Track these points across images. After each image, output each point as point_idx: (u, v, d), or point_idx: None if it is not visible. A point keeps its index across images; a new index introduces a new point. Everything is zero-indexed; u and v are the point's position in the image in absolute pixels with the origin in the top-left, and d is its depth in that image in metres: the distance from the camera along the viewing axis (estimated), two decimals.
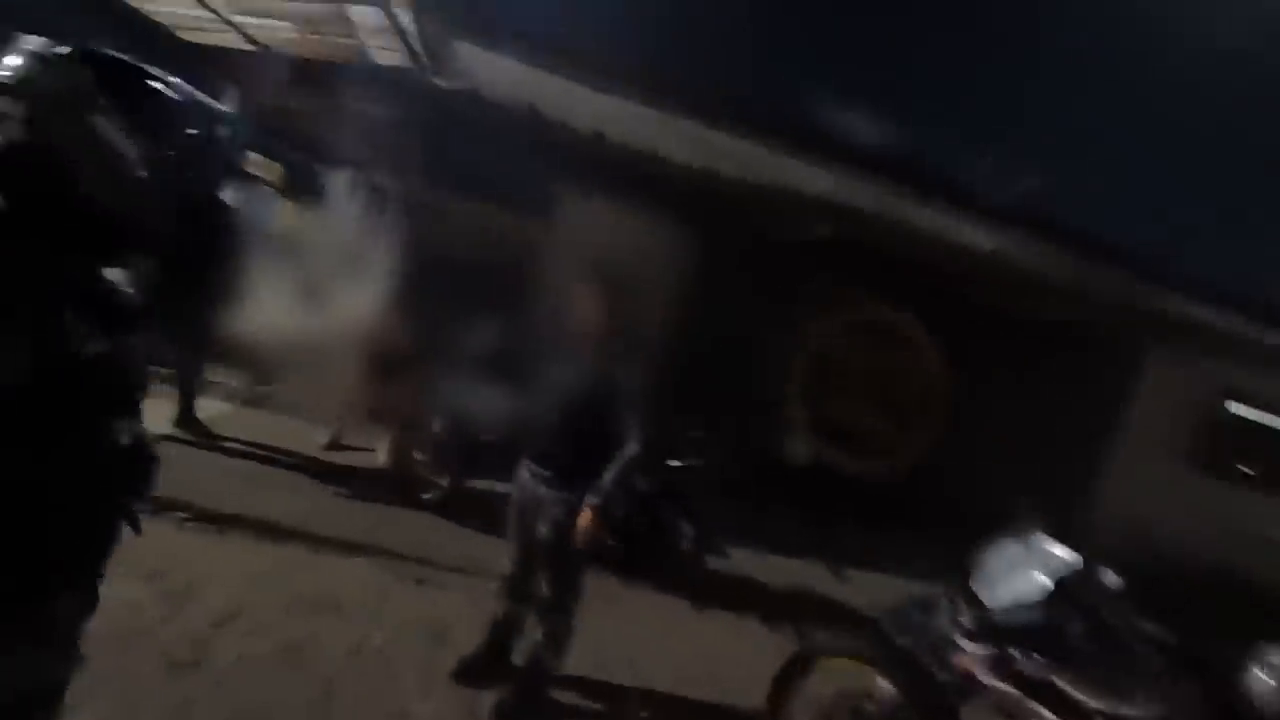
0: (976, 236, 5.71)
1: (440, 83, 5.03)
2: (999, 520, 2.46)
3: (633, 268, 5.18)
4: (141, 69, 0.94)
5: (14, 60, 0.86)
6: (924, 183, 5.56)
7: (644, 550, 3.93)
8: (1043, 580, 2.05)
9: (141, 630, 2.38)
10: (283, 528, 3.31)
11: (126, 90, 0.91)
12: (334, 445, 4.54)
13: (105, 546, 1.11)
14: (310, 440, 4.51)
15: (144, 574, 2.68)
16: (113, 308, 1.03)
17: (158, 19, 4.29)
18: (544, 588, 2.43)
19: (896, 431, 5.69)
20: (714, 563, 4.10)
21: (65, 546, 0.99)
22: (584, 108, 5.25)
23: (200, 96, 1.03)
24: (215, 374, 4.91)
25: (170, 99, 0.96)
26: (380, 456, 4.43)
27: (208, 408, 4.44)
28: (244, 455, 4.03)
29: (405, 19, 4.15)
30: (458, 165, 5.30)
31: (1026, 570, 2.12)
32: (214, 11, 4.06)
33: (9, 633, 0.94)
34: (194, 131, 1.00)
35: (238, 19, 4.19)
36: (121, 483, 1.07)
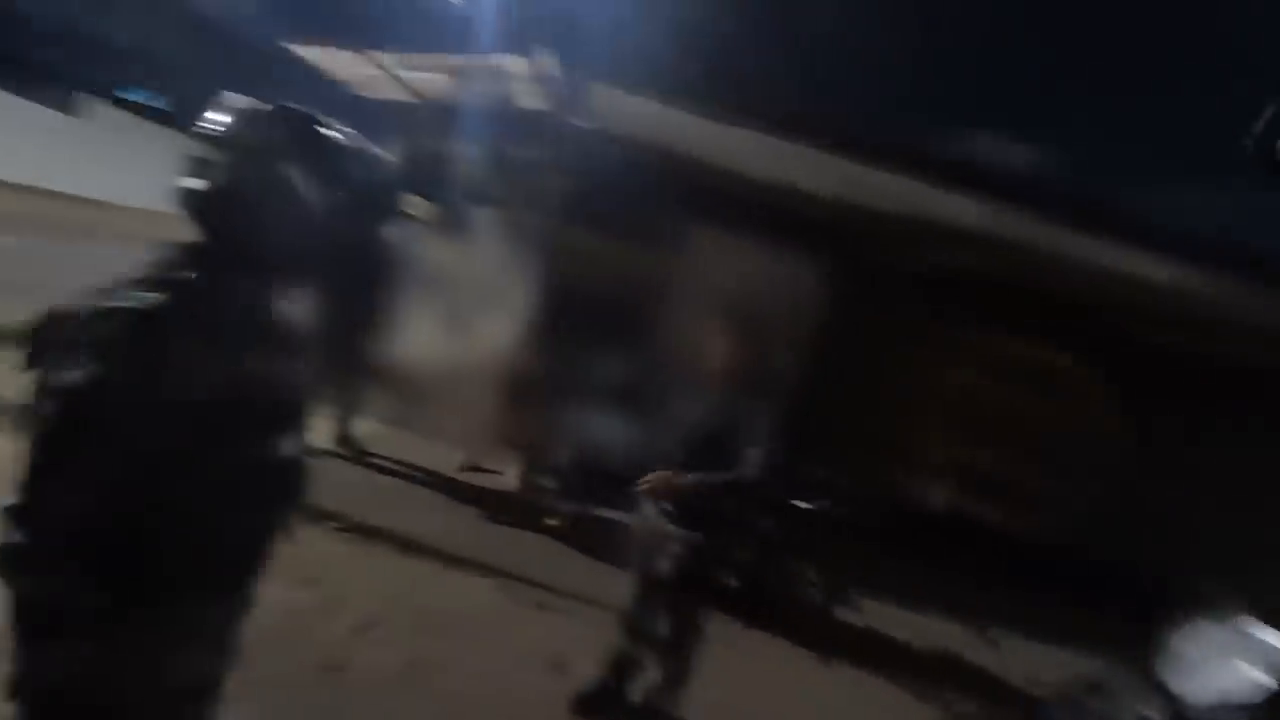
0: (1153, 269, 5.07)
1: (578, 124, 5.27)
2: (1188, 595, 2.11)
3: (763, 303, 5.10)
4: (325, 123, 1.04)
5: (222, 116, 0.97)
6: (1087, 211, 5.04)
7: (767, 595, 3.77)
8: (1259, 677, 1.71)
9: (298, 633, 2.58)
10: (419, 543, 3.50)
11: (312, 142, 1.00)
12: (469, 467, 4.78)
13: (259, 553, 1.19)
14: (449, 461, 4.77)
15: (303, 579, 2.93)
16: (286, 334, 1.13)
17: (340, 78, 4.84)
18: (662, 625, 2.38)
19: (1056, 485, 5.11)
20: (843, 614, 3.85)
21: (222, 552, 1.07)
22: (718, 143, 5.28)
23: (368, 146, 1.11)
24: (371, 396, 5.35)
25: (345, 149, 1.04)
26: (510, 480, 4.60)
27: (363, 427, 4.84)
28: (391, 473, 4.33)
29: (547, 65, 4.40)
30: (594, 203, 5.50)
31: (1234, 661, 1.79)
32: (384, 69, 4.53)
33: (167, 634, 1.03)
34: (362, 177, 1.07)
35: (403, 74, 4.63)
36: (279, 494, 1.15)
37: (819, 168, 5.31)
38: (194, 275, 0.94)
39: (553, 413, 4.80)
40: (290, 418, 1.14)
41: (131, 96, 19.82)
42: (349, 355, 4.31)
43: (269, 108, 0.99)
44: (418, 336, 6.41)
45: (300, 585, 2.86)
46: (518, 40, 4.17)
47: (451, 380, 6.26)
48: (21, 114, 13.85)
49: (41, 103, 14.26)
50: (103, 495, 0.84)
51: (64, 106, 14.87)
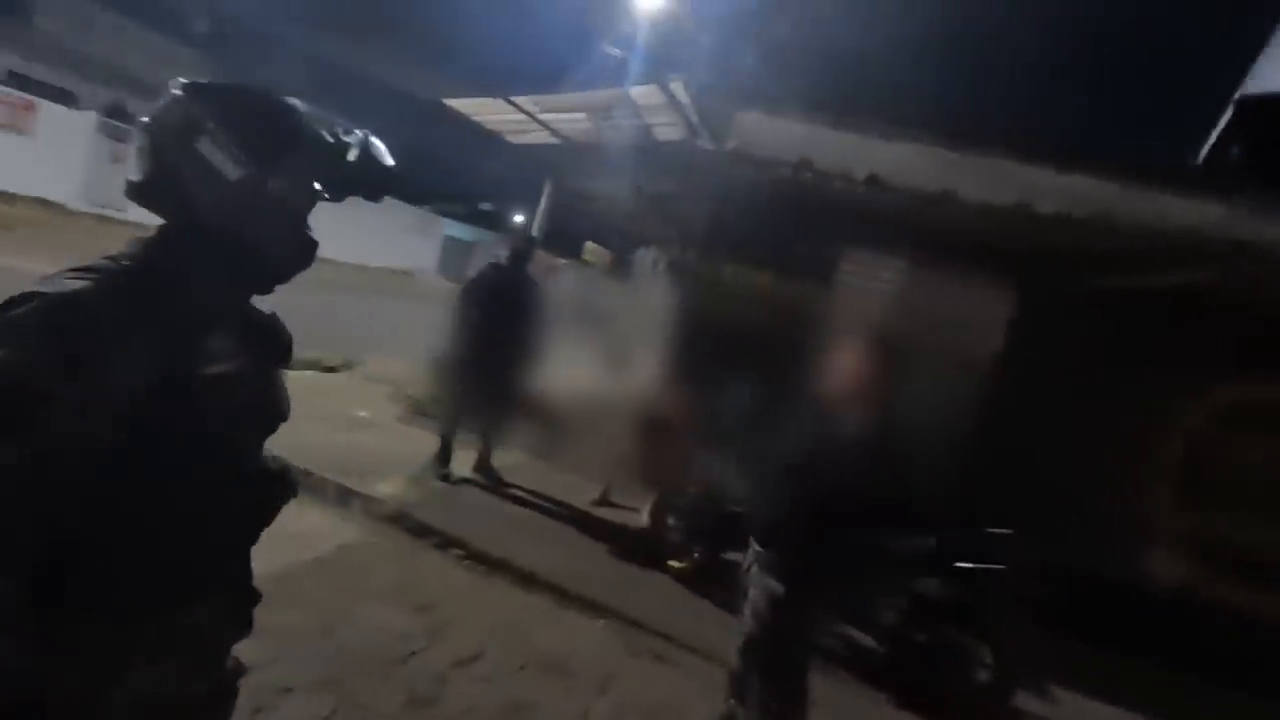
0: None
1: (721, 151, 5.13)
2: None
3: (929, 336, 4.53)
4: (263, 97, 0.97)
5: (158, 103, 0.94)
6: None
7: (925, 670, 3.20)
8: None
9: (396, 659, 2.59)
10: (539, 577, 3.42)
11: (240, 117, 0.93)
12: (602, 502, 4.70)
13: (238, 562, 1.13)
14: (584, 496, 4.73)
15: (414, 604, 2.97)
16: (255, 332, 1.07)
17: (490, 126, 5.17)
18: (755, 688, 2.05)
19: None
20: (1024, 701, 3.16)
21: (200, 558, 1.01)
22: (866, 157, 4.86)
23: (333, 122, 1.03)
24: (514, 426, 5.51)
25: (283, 125, 0.97)
26: (641, 519, 4.44)
27: (504, 457, 4.98)
28: (525, 503, 4.36)
29: (681, 94, 4.35)
30: (743, 232, 5.31)
31: None
32: (528, 114, 4.75)
33: (145, 643, 0.97)
34: (315, 154, 0.99)
35: (545, 117, 4.83)
36: (240, 502, 1.08)
37: (993, 177, 4.66)
38: (129, 261, 0.90)
39: (691, 451, 4.59)
40: (251, 422, 1.06)
41: None
42: (493, 384, 4.44)
43: (182, 83, 0.94)
44: (564, 369, 6.53)
45: (410, 609, 2.90)
46: (654, 71, 4.16)
47: (594, 414, 6.28)
48: None
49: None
50: (26, 489, 0.79)
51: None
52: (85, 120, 12.74)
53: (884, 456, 2.08)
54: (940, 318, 4.57)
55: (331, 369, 6.44)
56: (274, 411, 1.13)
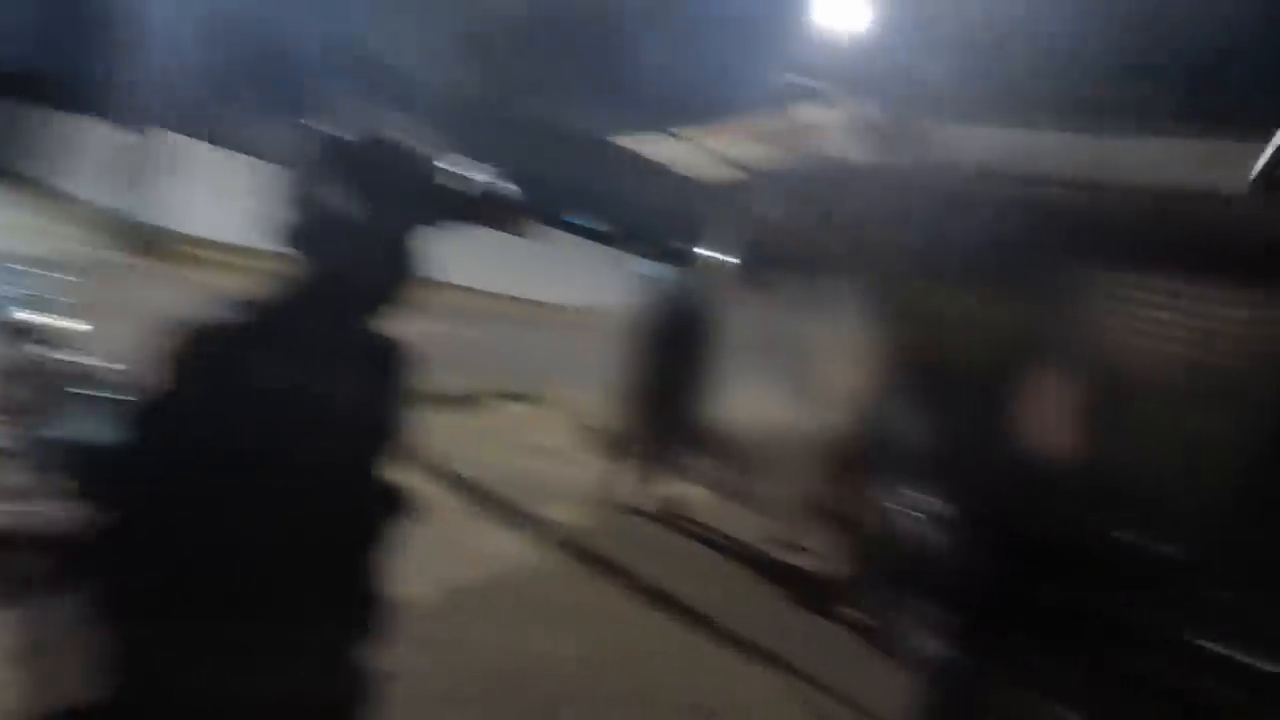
0: None
1: (909, 166, 4.72)
2: None
3: (1178, 363, 3.73)
4: (377, 136, 1.01)
5: None
6: None
7: None
8: None
9: (554, 686, 2.58)
10: (705, 617, 3.27)
11: (348, 156, 0.99)
12: (781, 543, 4.41)
13: (354, 577, 1.15)
14: (762, 533, 4.49)
15: (580, 632, 2.96)
16: (369, 355, 1.10)
17: (663, 161, 5.27)
18: None
19: None
20: None
21: (304, 570, 1.03)
22: (1088, 158, 4.16)
23: (422, 151, 1.05)
24: (691, 457, 5.43)
25: (390, 163, 1.00)
26: (822, 563, 4.10)
27: (680, 488, 4.91)
28: (699, 538, 4.23)
29: (873, 111, 4.07)
30: (940, 253, 4.83)
31: None
32: (702, 146, 4.75)
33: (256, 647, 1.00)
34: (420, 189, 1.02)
35: (723, 148, 4.80)
36: (364, 519, 1.10)
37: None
38: (254, 292, 0.97)
39: (882, 493, 4.18)
40: (359, 439, 1.08)
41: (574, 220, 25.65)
42: (669, 414, 4.43)
43: (309, 130, 1.00)
44: (747, 401, 6.35)
45: (573, 637, 2.89)
46: (839, 89, 3.94)
47: (777, 448, 6.01)
48: (487, 237, 18.78)
49: (498, 229, 19.18)
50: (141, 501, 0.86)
51: (515, 230, 19.69)
52: None
53: (1118, 504, 1.67)
54: (1201, 340, 3.73)
55: (519, 398, 6.88)
56: (382, 431, 1.15)
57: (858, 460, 4.34)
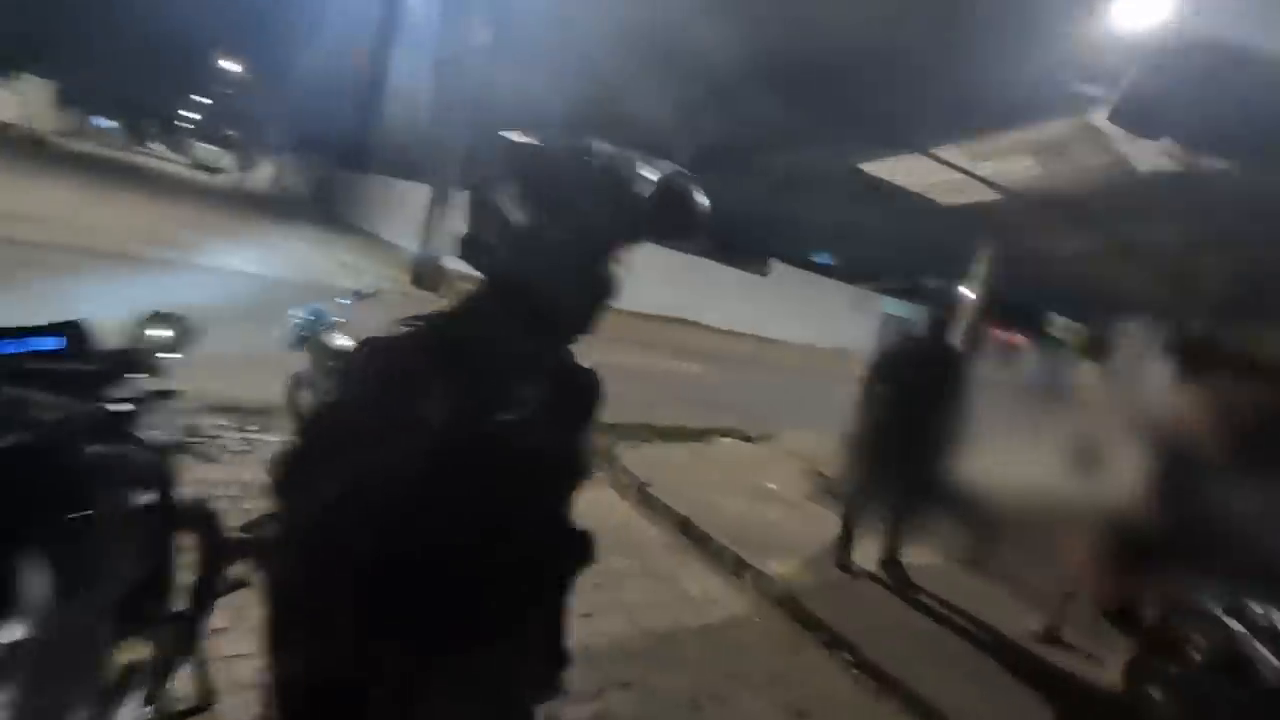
0: None
1: (1223, 180, 3.68)
2: None
3: None
4: (558, 145, 0.95)
5: None
6: None
7: None
8: None
9: None
10: (942, 715, 2.76)
11: (529, 166, 0.93)
12: (1049, 637, 3.62)
13: (537, 618, 1.09)
14: (1019, 621, 3.73)
15: (791, 705, 2.68)
16: (561, 386, 1.03)
17: (916, 189, 4.78)
18: None
19: None
20: None
21: (484, 605, 0.99)
22: None
23: (633, 162, 0.95)
24: (936, 521, 4.77)
25: (570, 171, 0.92)
26: (1103, 670, 3.26)
27: (919, 555, 4.32)
28: (937, 617, 3.65)
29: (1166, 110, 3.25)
30: (1268, 283, 3.71)
31: None
32: (960, 170, 4.22)
33: (433, 682, 0.98)
34: (602, 198, 0.92)
35: (979, 168, 4.22)
36: (546, 558, 1.04)
37: None
38: (446, 314, 0.96)
39: (1190, 587, 3.25)
40: (544, 474, 1.02)
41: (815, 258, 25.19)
42: (907, 468, 3.91)
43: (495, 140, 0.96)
44: (1006, 458, 5.54)
45: (782, 708, 2.62)
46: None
47: (1044, 519, 5.07)
48: (724, 275, 19.06)
49: (740, 267, 19.36)
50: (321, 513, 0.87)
51: (757, 269, 19.72)
52: None
53: None
54: None
55: (749, 439, 6.70)
56: (568, 466, 1.08)
57: (1149, 545, 3.44)
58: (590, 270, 0.96)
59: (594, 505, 4.29)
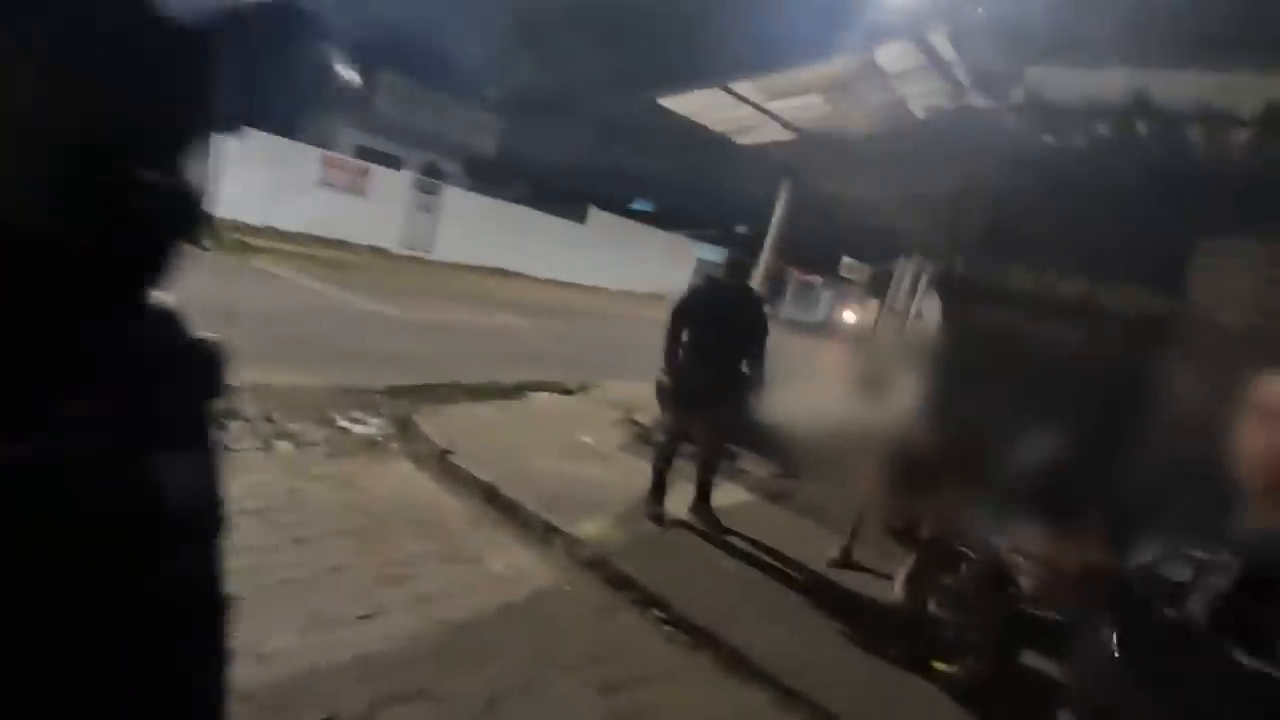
0: None
1: (1016, 123, 3.93)
2: None
3: None
4: None
5: None
6: None
7: None
8: None
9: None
10: (753, 664, 2.74)
11: None
12: (844, 562, 3.83)
13: None
14: (820, 551, 3.90)
15: (604, 681, 2.49)
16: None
17: (716, 128, 4.66)
18: None
19: None
20: None
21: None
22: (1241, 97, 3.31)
23: None
24: (747, 460, 4.87)
25: None
26: (895, 590, 3.49)
27: (728, 495, 4.37)
28: (748, 558, 3.68)
29: (946, 51, 3.36)
30: (1037, 224, 4.07)
31: None
32: (754, 105, 4.13)
33: None
34: None
35: (773, 105, 4.16)
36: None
37: None
38: None
39: (968, 500, 3.53)
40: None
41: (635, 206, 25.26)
42: (711, 409, 3.86)
43: None
44: (816, 397, 5.75)
45: (595, 687, 2.43)
46: (902, 26, 3.26)
47: (846, 450, 5.38)
48: (542, 224, 18.50)
49: (557, 215, 18.88)
50: None
51: (574, 216, 19.36)
52: (404, 179, 15.32)
53: None
54: None
55: (567, 392, 6.47)
56: (167, 512, 0.67)
57: (944, 461, 3.71)
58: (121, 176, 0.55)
59: (387, 482, 3.82)
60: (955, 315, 4.61)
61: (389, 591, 2.66)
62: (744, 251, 3.82)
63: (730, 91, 3.94)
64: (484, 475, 3.84)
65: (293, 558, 2.74)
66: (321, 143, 14.81)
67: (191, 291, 0.70)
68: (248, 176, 12.27)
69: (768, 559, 3.70)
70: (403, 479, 3.83)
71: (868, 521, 3.91)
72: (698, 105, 4.30)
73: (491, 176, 19.65)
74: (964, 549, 3.08)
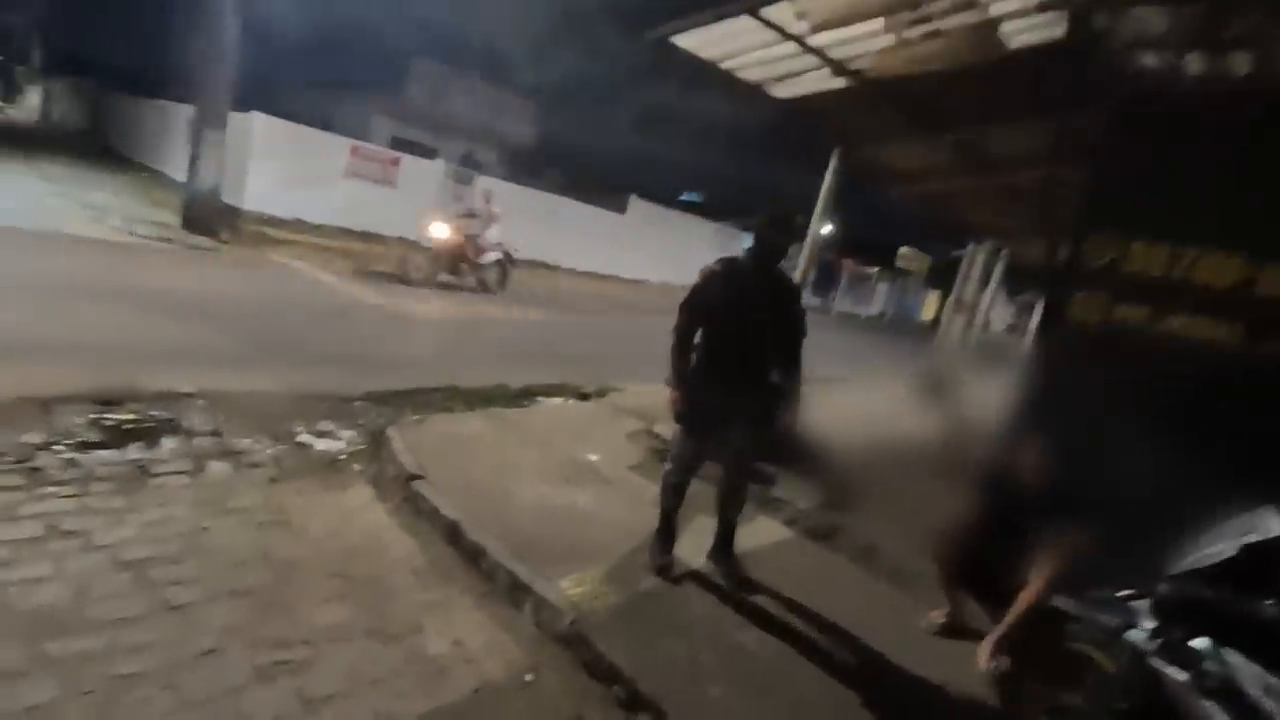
0: None
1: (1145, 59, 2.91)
2: None
3: None
4: None
5: None
6: None
7: None
8: None
9: None
10: None
11: None
12: (951, 628, 2.93)
13: None
14: (886, 610, 3.00)
15: None
16: None
17: (751, 79, 3.76)
18: None
19: None
20: None
21: None
22: None
23: None
24: (783, 489, 3.99)
25: None
26: (980, 660, 2.59)
27: (759, 532, 3.51)
28: (783, 629, 2.79)
29: None
30: (1196, 200, 3.05)
31: None
32: (792, 38, 3.20)
33: None
34: None
35: (818, 40, 3.23)
36: None
37: None
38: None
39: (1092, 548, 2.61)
40: None
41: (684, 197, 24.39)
42: (732, 424, 2.98)
43: None
44: (866, 411, 4.85)
45: None
46: None
47: (912, 478, 4.46)
48: (582, 214, 17.74)
49: (598, 205, 18.11)
50: None
51: (607, 204, 18.56)
52: (435, 169, 14.79)
53: None
54: None
55: (585, 396, 5.69)
56: None
57: (1019, 502, 2.80)
58: None
59: (329, 518, 3.08)
60: (1057, 309, 3.61)
61: (260, 693, 1.91)
62: (774, 230, 2.90)
63: (760, 19, 3.03)
64: (449, 508, 3.08)
65: (151, 636, 2.03)
66: (353, 133, 14.42)
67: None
68: (276, 168, 11.94)
69: (815, 630, 2.80)
70: (351, 512, 3.11)
71: (950, 575, 2.99)
72: (715, 40, 3.37)
73: (528, 165, 19.05)
74: (1095, 653, 2.14)
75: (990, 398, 4.27)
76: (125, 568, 2.33)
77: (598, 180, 18.95)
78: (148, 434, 3.36)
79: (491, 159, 18.72)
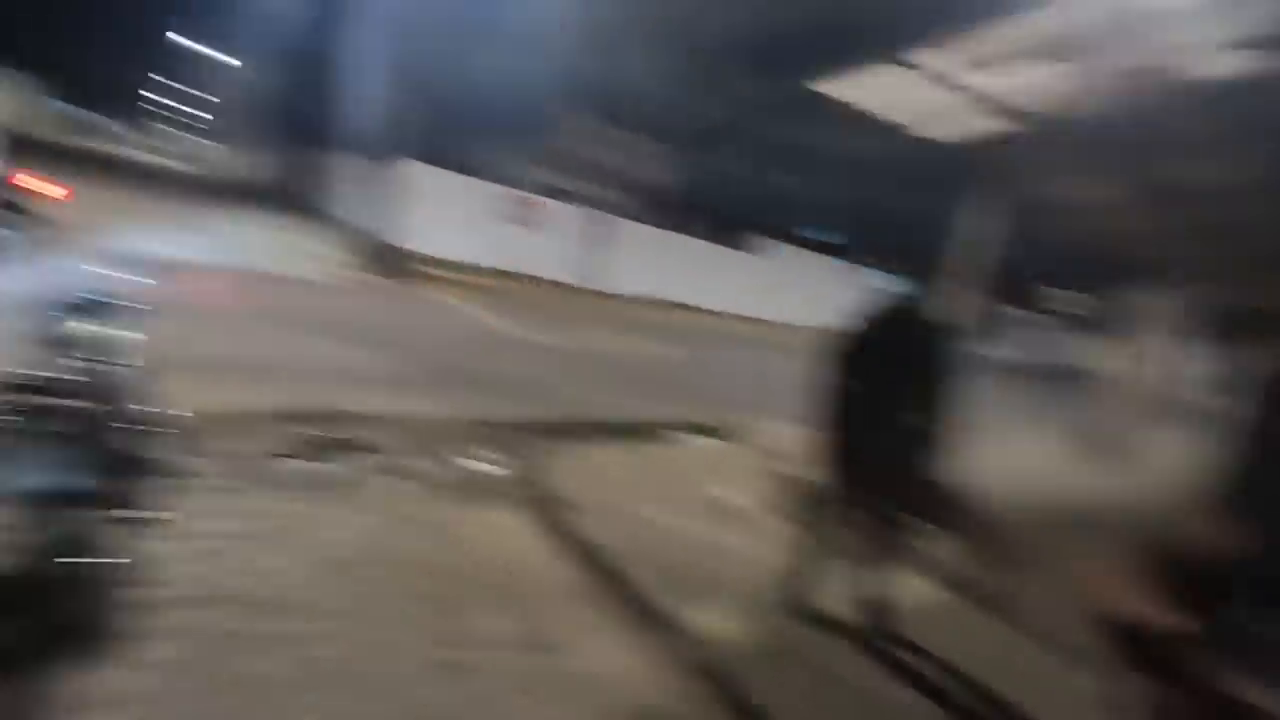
0: None
1: None
2: None
3: None
4: None
5: None
6: None
7: None
8: None
9: None
10: None
11: None
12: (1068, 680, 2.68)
13: None
14: (1035, 663, 2.79)
15: None
16: None
17: (896, 121, 3.76)
18: None
19: None
20: None
21: None
22: None
23: None
24: (925, 536, 3.81)
25: None
26: None
27: (914, 586, 3.39)
28: (941, 696, 2.67)
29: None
30: None
31: None
32: (948, 84, 3.18)
33: None
34: None
35: (972, 80, 3.18)
36: None
37: None
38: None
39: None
40: None
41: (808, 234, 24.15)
42: (885, 476, 2.93)
43: None
44: (1029, 462, 4.57)
45: None
46: None
47: (1085, 528, 4.13)
48: (712, 254, 17.99)
49: (723, 244, 18.34)
50: None
51: (742, 245, 18.68)
52: (579, 213, 15.71)
53: None
54: None
55: (713, 434, 5.76)
56: None
57: (1210, 567, 2.47)
58: None
59: (487, 536, 3.37)
60: (1249, 357, 3.24)
61: (435, 693, 2.13)
62: (926, 273, 2.87)
63: (909, 65, 3.04)
64: (595, 535, 3.26)
65: (341, 625, 2.33)
66: (505, 179, 15.69)
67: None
68: (435, 213, 13.25)
69: (961, 691, 2.66)
70: (507, 532, 3.37)
71: (1103, 631, 2.73)
72: (865, 88, 3.41)
73: (663, 207, 19.68)
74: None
75: (1175, 458, 3.88)
76: (331, 566, 2.69)
77: (732, 222, 19.19)
78: (342, 447, 3.85)
79: (629, 202, 19.55)
